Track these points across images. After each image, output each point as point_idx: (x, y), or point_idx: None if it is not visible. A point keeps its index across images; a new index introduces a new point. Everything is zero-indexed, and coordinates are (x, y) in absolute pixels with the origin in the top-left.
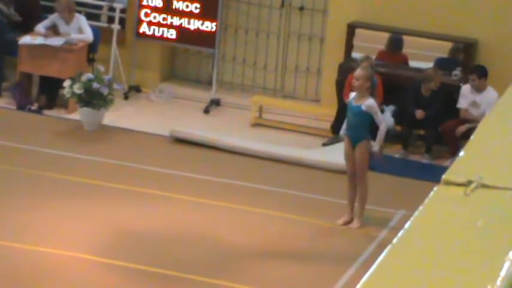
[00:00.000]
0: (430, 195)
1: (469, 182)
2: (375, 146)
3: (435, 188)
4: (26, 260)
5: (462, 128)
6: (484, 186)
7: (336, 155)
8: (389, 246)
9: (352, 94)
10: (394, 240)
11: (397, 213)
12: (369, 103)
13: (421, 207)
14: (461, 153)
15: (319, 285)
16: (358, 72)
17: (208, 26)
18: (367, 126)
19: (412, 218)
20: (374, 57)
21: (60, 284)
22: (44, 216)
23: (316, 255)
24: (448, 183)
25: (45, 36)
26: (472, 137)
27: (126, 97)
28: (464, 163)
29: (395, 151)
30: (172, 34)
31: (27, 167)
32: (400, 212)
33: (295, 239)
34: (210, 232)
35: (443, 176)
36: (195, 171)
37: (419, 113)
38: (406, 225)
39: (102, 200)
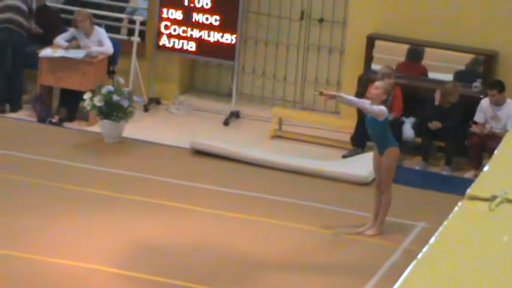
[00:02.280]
0: (454, 210)
1: (494, 197)
2: (340, 95)
3: (459, 203)
4: (46, 273)
5: (436, 124)
6: (509, 200)
7: (355, 166)
8: (414, 262)
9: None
10: (419, 256)
11: (417, 225)
12: (380, 107)
13: (445, 223)
14: (486, 168)
15: None
16: (380, 83)
17: (228, 38)
18: (388, 134)
19: (436, 233)
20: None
21: None
22: (64, 229)
23: (335, 267)
24: (473, 198)
25: (67, 48)
26: (496, 152)
27: (146, 109)
28: (489, 178)
29: (416, 163)
30: (192, 46)
31: (47, 180)
32: (420, 224)
33: (315, 251)
34: (230, 244)
35: (468, 191)
36: (215, 184)
37: (434, 124)
38: (431, 241)
39: (122, 212)
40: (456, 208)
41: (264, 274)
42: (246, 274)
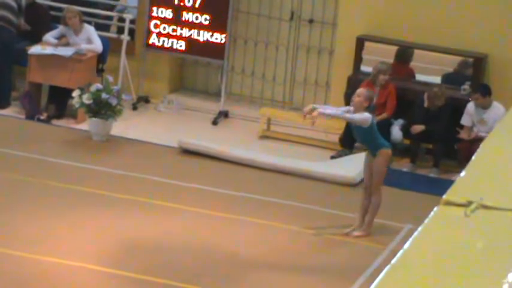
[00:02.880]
0: (430, 216)
1: (469, 203)
2: (326, 110)
3: (435, 209)
4: (33, 270)
5: (418, 128)
6: (485, 207)
7: (343, 167)
8: (388, 267)
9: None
10: (393, 261)
11: (404, 227)
12: (363, 114)
13: (420, 228)
14: (462, 173)
15: None
16: (361, 90)
17: (218, 37)
18: (375, 137)
19: (411, 239)
20: None
21: None
22: (51, 227)
23: (321, 268)
24: (448, 203)
25: (56, 45)
26: (473, 157)
27: (134, 108)
28: (465, 183)
29: (404, 165)
30: (181, 45)
31: (35, 177)
32: (407, 226)
33: (301, 252)
34: (217, 244)
35: (444, 197)
36: (203, 183)
37: (415, 128)
38: (406, 246)
39: (109, 210)
40: (432, 213)
41: (251, 273)
42: (233, 273)
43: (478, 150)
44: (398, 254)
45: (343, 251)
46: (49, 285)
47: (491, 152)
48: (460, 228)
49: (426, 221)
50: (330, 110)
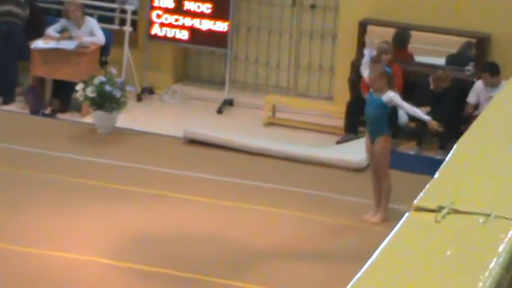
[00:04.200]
0: (400, 222)
1: (440, 208)
2: (425, 117)
3: (406, 214)
4: (43, 266)
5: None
6: (456, 211)
7: (350, 152)
8: (357, 275)
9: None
10: (362, 269)
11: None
12: (390, 94)
13: (391, 235)
14: (436, 176)
15: (334, 285)
16: (370, 78)
17: (220, 26)
18: (386, 120)
19: (381, 246)
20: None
21: None
22: (59, 221)
23: (331, 254)
24: (419, 209)
25: (58, 39)
26: (447, 159)
27: (139, 99)
28: (437, 187)
29: (410, 148)
30: (184, 35)
31: (41, 172)
32: None
33: (311, 238)
34: (226, 233)
35: (415, 202)
36: (209, 172)
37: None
38: (375, 254)
39: (116, 202)
40: (402, 220)
41: (262, 262)
42: (242, 263)
43: (452, 151)
44: (368, 262)
45: (353, 236)
46: (60, 280)
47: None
48: (430, 235)
49: (396, 227)
50: (419, 115)
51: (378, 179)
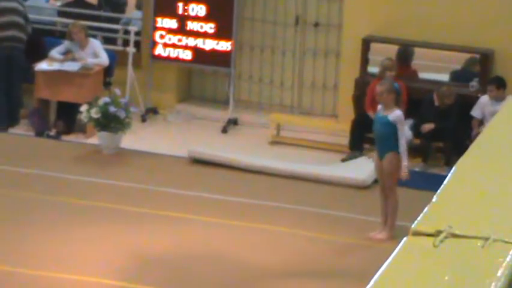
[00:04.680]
0: (398, 247)
1: (438, 232)
2: (404, 161)
3: (404, 239)
4: (49, 287)
5: (428, 127)
6: (454, 235)
7: (355, 170)
8: None
9: (379, 106)
10: None
11: None
12: (396, 114)
13: (389, 260)
14: (433, 200)
15: None
16: (378, 88)
17: (224, 45)
18: (394, 137)
19: (379, 271)
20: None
21: None
22: (64, 243)
23: (337, 272)
24: (417, 233)
25: (62, 61)
26: (445, 182)
27: (143, 119)
28: (435, 211)
29: (415, 164)
30: (187, 55)
31: (46, 194)
32: None
33: (317, 257)
34: (231, 252)
35: (412, 226)
36: (215, 192)
37: (424, 128)
38: (374, 279)
39: (122, 223)
40: (401, 244)
41: (267, 282)
42: (248, 282)
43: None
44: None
45: (359, 254)
46: None
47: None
48: (428, 260)
49: (394, 252)
50: (402, 154)
51: (386, 197)
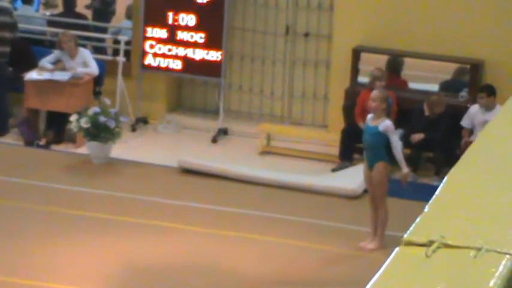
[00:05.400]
0: (391, 257)
1: (431, 242)
2: (404, 169)
3: (396, 249)
4: None
5: (417, 137)
6: (446, 245)
7: (345, 180)
8: None
9: (369, 116)
10: None
11: None
12: (386, 124)
13: (381, 270)
14: (426, 209)
15: None
16: (375, 93)
17: (214, 55)
18: (384, 147)
19: (371, 281)
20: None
21: None
22: (55, 252)
23: (328, 282)
24: (409, 243)
25: (52, 71)
26: (437, 192)
27: (133, 129)
28: (427, 221)
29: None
30: (177, 65)
31: (36, 203)
32: None
33: (308, 267)
34: (222, 262)
35: (404, 236)
36: (205, 202)
37: (414, 137)
38: None
39: (112, 233)
40: (392, 255)
41: None
42: None
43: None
44: None
45: (349, 264)
46: None
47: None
48: (420, 270)
49: (385, 264)
50: (400, 162)
51: (376, 207)
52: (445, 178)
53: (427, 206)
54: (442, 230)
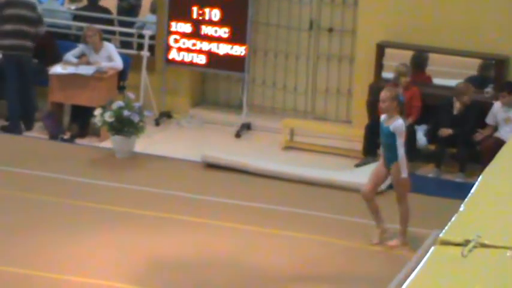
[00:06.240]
0: (427, 256)
1: (467, 242)
2: (403, 173)
3: (432, 248)
4: None
5: (446, 131)
6: (483, 245)
7: (367, 176)
8: None
9: (382, 116)
10: None
11: (431, 234)
12: (395, 124)
13: (417, 269)
14: (461, 209)
15: None
16: (383, 94)
17: (238, 50)
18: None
19: (408, 281)
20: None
21: None
22: (78, 246)
23: (350, 278)
24: (445, 243)
25: (77, 65)
26: (472, 190)
27: (157, 124)
28: (463, 220)
29: (429, 170)
30: (201, 59)
31: (60, 197)
32: (434, 232)
33: (330, 262)
34: (244, 257)
35: (440, 235)
36: (228, 197)
37: (443, 132)
38: None
39: (135, 227)
40: (428, 254)
41: (279, 285)
42: (261, 286)
43: (477, 184)
44: None
45: (371, 260)
46: None
47: (491, 184)
48: (456, 270)
49: (422, 262)
50: (401, 166)
51: (370, 198)
52: (480, 176)
53: (462, 205)
54: (478, 229)
